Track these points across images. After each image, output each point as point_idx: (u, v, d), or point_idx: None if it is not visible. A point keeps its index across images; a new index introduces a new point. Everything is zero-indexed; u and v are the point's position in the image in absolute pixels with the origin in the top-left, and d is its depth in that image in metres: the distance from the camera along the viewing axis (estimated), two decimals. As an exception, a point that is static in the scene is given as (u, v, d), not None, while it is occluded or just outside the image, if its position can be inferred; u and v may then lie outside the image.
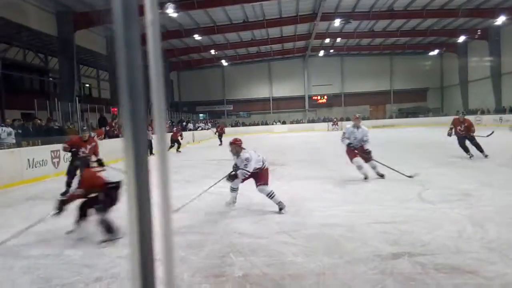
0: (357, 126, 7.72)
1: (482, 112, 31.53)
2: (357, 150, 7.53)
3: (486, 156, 9.73)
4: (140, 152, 0.75)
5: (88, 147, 7.50)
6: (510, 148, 12.06)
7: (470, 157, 9.79)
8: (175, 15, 21.57)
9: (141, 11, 0.72)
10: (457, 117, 10.41)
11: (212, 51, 33.20)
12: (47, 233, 4.76)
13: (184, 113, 36.14)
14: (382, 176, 7.46)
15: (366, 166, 7.50)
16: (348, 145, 7.54)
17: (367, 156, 7.51)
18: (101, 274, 3.28)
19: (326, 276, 3.00)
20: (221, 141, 21.04)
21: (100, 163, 6.97)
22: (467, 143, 10.06)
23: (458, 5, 25.23)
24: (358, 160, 7.45)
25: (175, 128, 19.12)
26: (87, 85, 27.45)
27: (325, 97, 42.11)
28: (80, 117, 16.24)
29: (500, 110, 29.97)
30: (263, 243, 3.88)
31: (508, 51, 29.11)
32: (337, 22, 26.80)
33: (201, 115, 40.32)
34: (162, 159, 0.76)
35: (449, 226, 4.16)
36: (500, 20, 25.18)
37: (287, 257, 3.44)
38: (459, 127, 10.13)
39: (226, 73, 41.67)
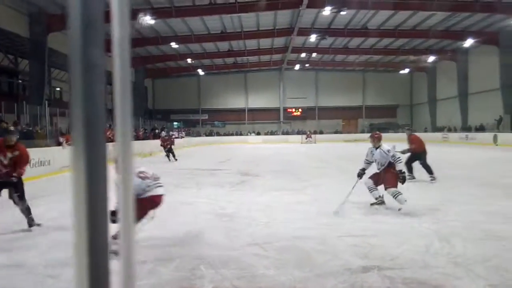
0: (375, 147, 6.25)
1: (449, 130, 32.79)
2: (381, 173, 6.13)
3: (432, 179, 8.81)
4: (97, 161, 0.68)
5: (9, 156, 5.15)
6: (472, 165, 12.56)
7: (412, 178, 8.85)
8: (152, 22, 21.40)
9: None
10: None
11: (189, 60, 33.12)
12: (6, 243, 4.52)
13: (158, 120, 35.65)
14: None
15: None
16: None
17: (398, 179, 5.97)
18: (66, 285, 3.14)
19: (296, 290, 2.99)
20: (168, 156, 16.79)
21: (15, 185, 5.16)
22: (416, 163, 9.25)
23: (429, 27, 26.32)
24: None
25: (164, 135, 19.02)
26: (58, 88, 26.67)
27: (300, 110, 42.70)
28: (49, 121, 15.73)
29: (466, 128, 31.26)
30: (234, 255, 3.83)
31: (475, 72, 30.53)
32: (313, 38, 27.39)
33: (175, 123, 39.88)
34: (125, 166, 0.72)
35: (417, 240, 4.25)
36: (468, 42, 26.44)
37: (259, 270, 3.41)
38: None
39: (202, 82, 41.59)
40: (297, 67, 38.32)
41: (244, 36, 27.72)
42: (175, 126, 38.37)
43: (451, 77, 32.96)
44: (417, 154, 9.40)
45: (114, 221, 2.75)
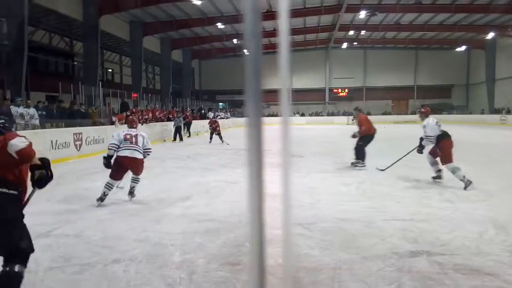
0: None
1: (508, 112, 30.55)
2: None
3: (356, 165, 8.22)
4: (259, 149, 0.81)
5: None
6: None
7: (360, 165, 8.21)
8: (198, 2, 21.54)
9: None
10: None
11: (235, 40, 33.08)
12: (67, 213, 4.88)
13: (204, 101, 36.33)
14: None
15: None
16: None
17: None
18: (119, 256, 3.35)
19: (342, 271, 2.98)
20: (212, 138, 15.85)
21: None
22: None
23: (489, 0, 24.31)
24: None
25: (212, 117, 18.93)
26: (110, 70, 27.87)
27: (346, 90, 41.57)
28: (102, 101, 16.53)
29: (527, 110, 28.98)
30: (278, 233, 3.86)
31: (540, 49, 28.01)
32: (362, 14, 26.25)
33: (220, 104, 40.44)
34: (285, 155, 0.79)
35: (470, 226, 4.06)
36: (534, 17, 24.17)
37: (303, 250, 3.43)
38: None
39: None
40: (344, 45, 37.08)
41: (290, 15, 27.11)
42: (221, 107, 38.96)
43: (513, 55, 30.45)
44: (367, 137, 8.48)
45: (107, 166, 4.69)
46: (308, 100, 41.95)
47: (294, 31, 32.66)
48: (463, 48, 35.84)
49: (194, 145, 14.96)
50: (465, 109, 38.57)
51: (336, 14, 27.60)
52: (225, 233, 3.93)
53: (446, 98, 40.61)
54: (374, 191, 6.02)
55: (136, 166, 5.42)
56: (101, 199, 5.29)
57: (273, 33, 32.59)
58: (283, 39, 0.74)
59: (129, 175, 5.58)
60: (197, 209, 4.99)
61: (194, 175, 7.72)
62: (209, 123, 16.69)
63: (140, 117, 16.23)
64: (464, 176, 5.92)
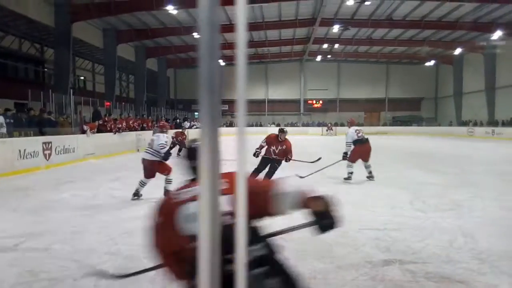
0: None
1: (475, 124, 31.86)
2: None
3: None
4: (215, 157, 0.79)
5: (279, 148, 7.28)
6: (502, 160, 12.20)
7: None
8: (174, 12, 21.52)
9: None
10: (274, 134, 7.48)
11: (210, 50, 33.15)
12: (35, 226, 4.69)
13: (179, 110, 36.06)
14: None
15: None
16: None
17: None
18: (90, 270, 3.23)
19: (317, 281, 2.99)
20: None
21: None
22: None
23: (456, 18, 25.47)
24: None
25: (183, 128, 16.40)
26: (82, 77, 27.24)
27: (321, 101, 42.29)
28: (74, 109, 16.10)
29: (492, 122, 30.30)
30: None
31: (503, 65, 29.45)
32: (335, 28, 26.92)
33: (196, 113, 40.22)
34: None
35: (440, 235, 4.17)
36: (497, 35, 25.46)
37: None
38: (273, 147, 7.35)
39: (223, 72, 41.62)
40: (318, 58, 37.85)
41: (266, 27, 27.54)
42: (196, 116, 38.73)
43: (478, 70, 31.87)
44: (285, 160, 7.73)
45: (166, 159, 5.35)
46: (284, 111, 42.41)
47: (270, 43, 33.10)
48: (432, 62, 37.27)
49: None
50: (434, 121, 39.95)
51: (311, 28, 28.17)
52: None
53: (416, 111, 41.98)
54: (348, 201, 6.10)
55: (152, 166, 6.05)
56: (135, 194, 5.96)
57: (249, 43, 32.90)
58: (240, 51, 0.73)
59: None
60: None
61: (173, 186, 7.60)
62: (176, 134, 14.16)
63: (113, 126, 15.89)
64: (349, 173, 7.87)
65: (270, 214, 1.81)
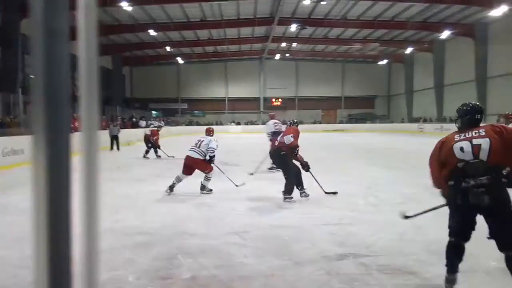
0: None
1: (425, 121, 33.55)
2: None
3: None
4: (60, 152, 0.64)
5: None
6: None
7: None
8: (129, 9, 20.90)
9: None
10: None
11: (168, 48, 32.56)
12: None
13: (136, 109, 35.07)
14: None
15: None
16: None
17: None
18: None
19: (274, 278, 3.04)
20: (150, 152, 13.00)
21: None
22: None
23: (407, 18, 26.66)
24: None
25: (152, 128, 14.21)
26: (33, 76, 25.80)
27: (280, 100, 42.79)
28: (23, 109, 15.23)
29: (441, 119, 32.04)
30: (213, 244, 3.85)
31: (451, 64, 31.20)
32: (293, 27, 27.36)
33: (154, 112, 39.33)
34: (89, 156, 0.67)
35: (392, 228, 4.36)
36: (445, 34, 26.93)
37: (237, 259, 3.44)
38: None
39: (182, 70, 41.06)
40: (277, 56, 38.30)
41: (224, 25, 27.44)
42: (154, 115, 37.88)
43: (428, 69, 33.61)
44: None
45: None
46: (244, 109, 42.50)
47: (229, 41, 33.03)
48: (384, 61, 38.82)
49: (124, 155, 14.35)
50: (387, 119, 41.64)
51: (269, 26, 28.41)
52: (157, 246, 3.81)
53: (370, 108, 43.56)
54: (308, 196, 6.24)
55: (195, 164, 6.55)
56: (170, 188, 6.40)
57: (207, 41, 32.69)
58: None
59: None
60: (126, 222, 4.78)
61: (124, 187, 7.39)
62: (152, 133, 13.12)
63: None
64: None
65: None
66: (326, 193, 5.96)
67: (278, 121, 9.38)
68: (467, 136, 2.81)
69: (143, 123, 26.58)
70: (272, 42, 32.87)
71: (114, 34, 27.28)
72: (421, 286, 2.87)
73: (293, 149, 5.87)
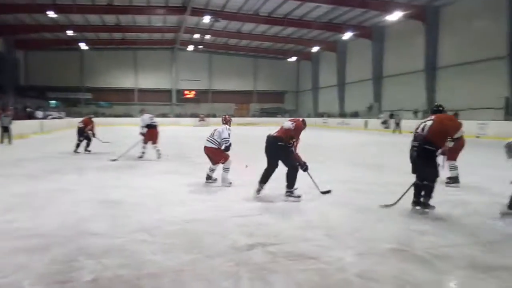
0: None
1: (329, 116, 36.01)
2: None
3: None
4: None
5: None
6: (351, 147, 14.04)
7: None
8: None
9: None
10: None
11: (70, 32, 29.83)
12: None
13: (32, 98, 31.65)
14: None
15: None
16: None
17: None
18: None
19: (184, 273, 2.99)
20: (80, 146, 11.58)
21: None
22: None
23: (314, 18, 28.21)
24: None
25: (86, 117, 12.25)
26: None
27: (193, 92, 42.22)
28: None
29: (343, 114, 34.69)
30: (119, 243, 3.65)
31: (353, 63, 33.88)
32: (206, 19, 27.12)
33: (52, 101, 35.90)
34: None
35: (298, 217, 4.60)
36: (347, 35, 29.13)
37: (145, 256, 3.31)
38: None
39: (86, 57, 38.08)
40: (190, 48, 37.64)
41: (134, 11, 26.09)
42: (53, 105, 34.61)
43: (332, 67, 36.05)
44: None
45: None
46: (155, 101, 41.00)
47: (139, 29, 31.53)
48: (293, 59, 40.63)
49: (17, 149, 12.88)
50: (295, 113, 43.75)
51: (182, 16, 27.76)
52: (55, 249, 3.48)
53: (280, 103, 45.36)
54: (220, 189, 6.27)
55: (210, 153, 6.63)
56: (208, 178, 6.66)
57: (115, 28, 30.77)
58: None
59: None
60: (19, 223, 4.29)
61: (17, 184, 6.62)
62: (85, 123, 11.70)
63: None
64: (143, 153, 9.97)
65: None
66: (322, 192, 5.86)
67: (152, 115, 10.36)
68: (426, 119, 5.08)
69: (40, 113, 24.09)
70: (185, 32, 32.22)
71: (5, 14, 24.20)
72: (322, 270, 3.06)
73: (288, 138, 5.47)
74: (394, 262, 3.21)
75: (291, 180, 5.42)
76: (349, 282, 2.85)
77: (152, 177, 7.51)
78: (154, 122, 10.17)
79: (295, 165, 5.42)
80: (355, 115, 32.50)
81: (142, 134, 10.09)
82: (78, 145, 11.40)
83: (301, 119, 6.02)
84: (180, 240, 3.75)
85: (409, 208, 4.96)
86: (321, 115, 37.66)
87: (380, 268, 3.09)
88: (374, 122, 27.66)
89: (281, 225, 4.26)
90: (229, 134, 6.64)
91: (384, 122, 26.08)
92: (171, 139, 18.03)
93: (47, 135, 20.73)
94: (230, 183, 6.52)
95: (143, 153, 10.07)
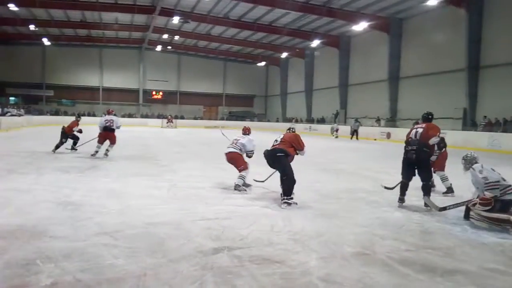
0: None
1: (297, 121, 36.49)
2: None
3: None
4: None
5: None
6: (316, 152, 14.27)
7: None
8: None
9: None
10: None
11: (32, 27, 28.60)
12: None
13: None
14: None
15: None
16: None
17: None
18: None
19: (147, 277, 2.93)
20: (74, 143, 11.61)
21: None
22: None
23: (283, 24, 28.58)
24: None
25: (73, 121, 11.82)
26: None
27: (161, 93, 41.56)
28: None
29: (310, 120, 35.26)
30: (79, 246, 3.52)
31: (319, 70, 34.56)
32: (176, 20, 26.85)
33: (12, 98, 34.25)
34: None
35: (264, 220, 4.62)
36: (315, 43, 29.73)
37: (106, 260, 3.21)
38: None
39: (48, 53, 36.59)
40: (158, 48, 37.09)
41: (100, 8, 25.38)
42: (12, 102, 33.03)
43: (300, 73, 36.61)
44: None
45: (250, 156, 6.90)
46: (121, 101, 40.05)
47: (105, 26, 30.75)
48: (263, 63, 40.95)
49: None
50: (264, 117, 44.05)
51: (150, 15, 27.31)
52: (10, 251, 3.32)
53: (249, 107, 45.51)
54: (185, 193, 6.19)
55: (232, 158, 6.71)
56: (244, 185, 6.51)
57: (80, 24, 29.85)
58: None
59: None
60: (-30, 226, 4.06)
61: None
62: (72, 125, 11.49)
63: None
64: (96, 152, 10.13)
65: None
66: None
67: (109, 119, 10.38)
68: (417, 126, 5.69)
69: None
70: (153, 32, 31.72)
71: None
72: (287, 273, 3.09)
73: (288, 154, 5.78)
74: (357, 266, 3.30)
75: (287, 189, 5.48)
76: (313, 285, 2.89)
77: (116, 178, 7.31)
78: (111, 126, 10.27)
79: (291, 174, 5.56)
80: (322, 121, 33.12)
81: (99, 134, 10.40)
82: (58, 147, 11.01)
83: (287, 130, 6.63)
84: (143, 244, 3.67)
85: (372, 212, 5.12)
86: (289, 120, 38.11)
87: (344, 271, 3.16)
88: (340, 129, 28.44)
89: (247, 229, 4.26)
90: (254, 146, 6.87)
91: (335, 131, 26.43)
92: (137, 140, 17.65)
93: (5, 133, 19.72)
94: (245, 189, 6.43)
95: (96, 152, 10.20)
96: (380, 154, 14.92)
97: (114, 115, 11.56)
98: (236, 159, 6.68)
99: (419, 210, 5.42)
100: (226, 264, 3.23)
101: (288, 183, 5.44)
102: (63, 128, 11.33)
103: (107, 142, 10.38)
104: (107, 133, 10.24)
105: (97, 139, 10.44)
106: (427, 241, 4.12)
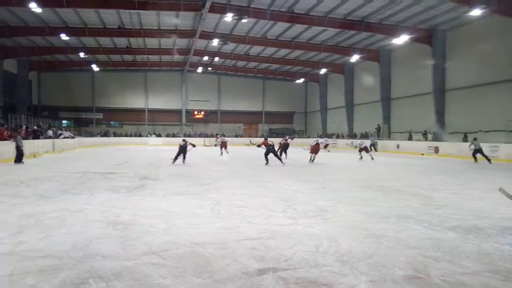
0: None
1: (338, 136, 35.91)
2: None
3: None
4: None
5: None
6: (356, 169, 13.92)
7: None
8: (38, 10, 19.33)
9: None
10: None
11: (82, 54, 30.61)
12: None
13: (44, 118, 32.21)
14: None
15: None
16: None
17: None
18: None
19: (194, 298, 2.95)
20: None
21: None
22: None
23: (322, 41, 28.56)
24: None
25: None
26: None
27: (203, 112, 42.66)
28: None
29: (351, 135, 34.58)
30: (129, 265, 3.63)
31: (360, 85, 34.01)
32: (215, 42, 27.63)
33: (64, 121, 36.48)
34: None
35: (308, 241, 4.53)
36: (354, 58, 29.39)
37: (155, 280, 3.28)
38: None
39: (97, 78, 38.87)
40: (199, 69, 38.26)
41: (144, 34, 26.69)
42: (65, 125, 35.17)
43: (340, 89, 36.22)
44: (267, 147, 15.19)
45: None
46: (165, 121, 41.55)
47: (149, 51, 32.17)
48: (301, 80, 40.95)
49: (29, 168, 13.01)
50: (304, 134, 43.79)
51: (191, 39, 28.30)
52: (65, 271, 3.48)
53: (289, 124, 45.50)
54: (228, 211, 6.23)
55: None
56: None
57: (126, 50, 31.47)
58: None
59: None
60: (29, 244, 4.30)
61: (28, 204, 6.66)
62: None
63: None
64: None
65: None
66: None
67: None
68: None
69: (50, 132, 24.40)
70: (194, 55, 32.79)
71: (19, 36, 24.97)
72: (335, 297, 3.00)
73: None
74: (408, 290, 3.14)
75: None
76: (362, 309, 2.78)
77: (162, 197, 7.51)
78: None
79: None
80: (364, 136, 32.37)
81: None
82: (176, 158, 15.25)
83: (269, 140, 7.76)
84: (189, 264, 3.71)
85: (423, 232, 4.88)
86: (330, 136, 37.63)
87: (394, 295, 3.02)
88: (384, 143, 27.62)
89: (291, 249, 4.19)
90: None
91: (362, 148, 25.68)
92: (181, 159, 18.07)
93: (58, 154, 20.96)
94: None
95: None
96: (428, 170, 14.29)
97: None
98: None
99: (474, 230, 5.10)
100: (271, 286, 3.19)
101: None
102: (181, 145, 15.63)
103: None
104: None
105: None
106: (485, 264, 3.84)
